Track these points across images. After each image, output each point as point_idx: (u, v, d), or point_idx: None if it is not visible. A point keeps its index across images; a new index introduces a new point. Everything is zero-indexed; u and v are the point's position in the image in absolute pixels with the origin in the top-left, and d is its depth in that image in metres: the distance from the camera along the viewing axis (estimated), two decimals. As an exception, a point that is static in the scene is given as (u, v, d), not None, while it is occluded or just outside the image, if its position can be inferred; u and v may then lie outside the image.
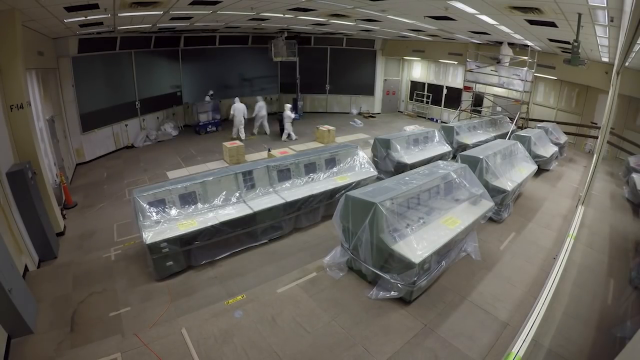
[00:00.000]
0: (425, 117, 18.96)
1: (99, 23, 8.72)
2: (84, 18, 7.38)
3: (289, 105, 13.87)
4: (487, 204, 6.15)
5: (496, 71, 13.93)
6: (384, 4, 7.44)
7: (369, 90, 19.37)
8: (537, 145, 10.30)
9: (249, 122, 14.22)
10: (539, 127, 11.92)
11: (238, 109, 13.32)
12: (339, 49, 18.39)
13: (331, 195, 7.23)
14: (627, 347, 2.15)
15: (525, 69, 12.65)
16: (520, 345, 4.06)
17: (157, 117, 14.44)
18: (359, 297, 5.11)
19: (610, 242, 7.03)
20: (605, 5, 4.79)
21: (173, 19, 9.56)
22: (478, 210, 5.92)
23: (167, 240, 5.28)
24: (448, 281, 5.50)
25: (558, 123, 13.47)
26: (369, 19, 10.29)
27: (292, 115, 13.81)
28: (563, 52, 10.95)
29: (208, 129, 14.87)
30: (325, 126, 13.84)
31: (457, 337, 4.41)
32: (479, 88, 15.60)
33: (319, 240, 6.70)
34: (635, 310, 4.90)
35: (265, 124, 14.41)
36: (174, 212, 5.77)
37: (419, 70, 19.38)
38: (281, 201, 6.51)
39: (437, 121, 17.94)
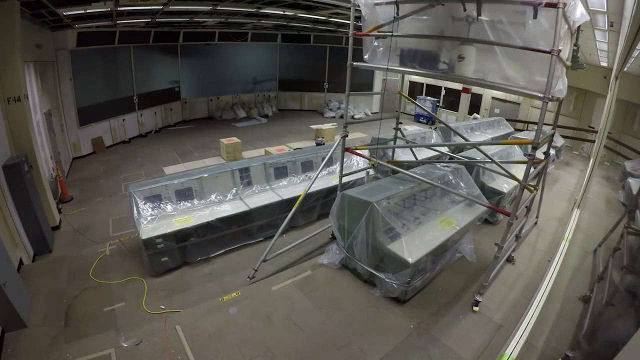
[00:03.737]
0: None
1: (99, 16, 8.67)
2: (82, 12, 7.34)
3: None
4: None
5: None
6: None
7: (368, 90, 19.35)
8: (534, 148, 10.31)
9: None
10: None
11: None
12: (339, 48, 18.31)
13: (328, 194, 7.23)
14: (620, 353, 2.15)
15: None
16: (514, 346, 4.09)
17: (155, 112, 14.38)
18: (354, 296, 5.11)
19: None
20: (605, 10, 4.82)
21: (172, 13, 9.52)
22: (474, 211, 5.94)
23: (163, 236, 5.26)
24: (443, 282, 5.51)
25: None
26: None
27: None
28: (562, 55, 10.97)
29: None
30: (325, 124, 13.85)
31: (451, 337, 4.43)
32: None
33: (314, 239, 6.70)
34: (629, 314, 4.92)
35: None
36: (170, 207, 5.76)
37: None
38: (278, 199, 6.51)
39: (433, 122, 17.96)
